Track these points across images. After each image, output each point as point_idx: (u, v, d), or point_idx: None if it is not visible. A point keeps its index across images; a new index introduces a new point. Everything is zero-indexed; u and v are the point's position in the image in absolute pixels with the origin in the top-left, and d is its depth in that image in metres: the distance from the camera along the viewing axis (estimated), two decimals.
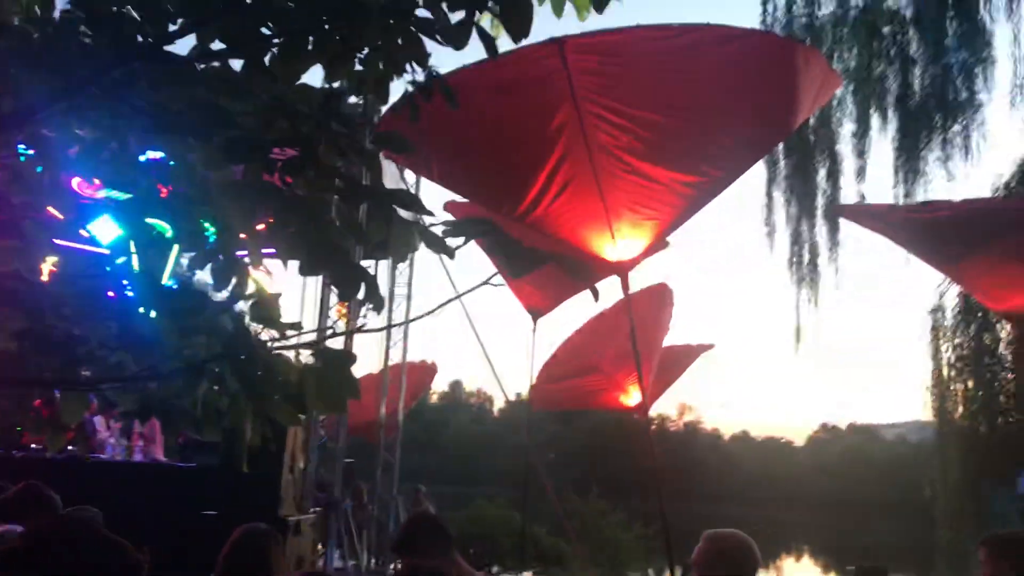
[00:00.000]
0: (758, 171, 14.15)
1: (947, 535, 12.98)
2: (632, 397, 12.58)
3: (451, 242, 2.65)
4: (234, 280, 2.64)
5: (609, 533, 20.00)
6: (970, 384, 12.86)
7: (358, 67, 2.77)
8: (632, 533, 20.14)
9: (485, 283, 2.80)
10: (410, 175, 11.61)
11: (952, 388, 13.00)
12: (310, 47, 2.73)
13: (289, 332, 2.57)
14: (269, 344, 2.63)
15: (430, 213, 2.99)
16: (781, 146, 13.56)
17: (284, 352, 2.75)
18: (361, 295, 2.36)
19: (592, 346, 12.00)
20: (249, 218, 2.60)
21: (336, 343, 10.31)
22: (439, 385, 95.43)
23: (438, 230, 2.67)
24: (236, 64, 2.63)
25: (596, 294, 2.71)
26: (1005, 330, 12.12)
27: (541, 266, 2.48)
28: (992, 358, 12.79)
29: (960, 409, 12.94)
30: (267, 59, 2.66)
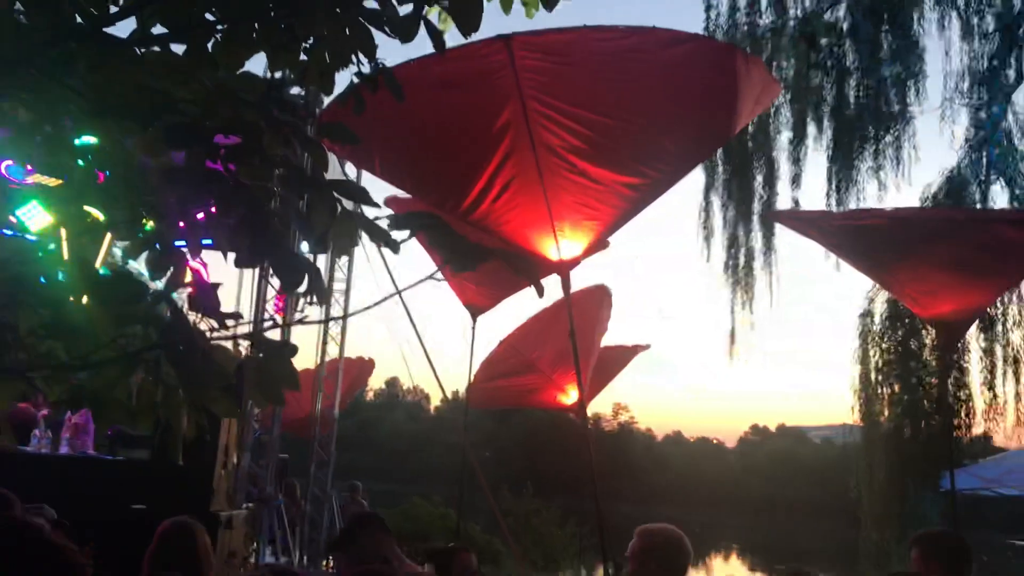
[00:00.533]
0: (697, 175, 14.40)
1: (872, 535, 13.33)
2: (569, 396, 12.65)
3: (396, 235, 2.64)
4: (171, 269, 2.59)
5: (543, 530, 20.14)
6: (896, 388, 13.23)
7: (303, 57, 2.75)
8: (566, 531, 20.30)
9: (429, 278, 2.80)
10: (351, 169, 11.52)
11: (879, 391, 13.36)
12: (254, 35, 2.70)
13: (228, 322, 2.53)
14: (207, 334, 2.58)
15: (376, 204, 2.97)
16: (720, 152, 13.81)
17: (222, 342, 2.70)
18: (303, 287, 2.33)
19: (531, 345, 12.04)
20: (188, 206, 2.56)
21: (273, 336, 10.19)
22: (375, 382, 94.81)
23: (383, 223, 2.66)
24: (178, 49, 2.58)
25: (541, 290, 2.72)
26: (931, 336, 12.52)
27: (485, 261, 2.49)
28: (918, 363, 13.19)
29: (886, 412, 13.30)
30: (210, 46, 2.62)
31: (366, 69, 2.80)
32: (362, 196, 2.43)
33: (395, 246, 2.56)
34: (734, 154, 14.00)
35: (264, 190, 2.39)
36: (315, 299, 2.35)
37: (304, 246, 9.19)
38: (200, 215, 2.58)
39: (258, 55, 2.73)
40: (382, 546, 3.67)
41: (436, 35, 2.81)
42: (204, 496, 7.85)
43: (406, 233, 2.58)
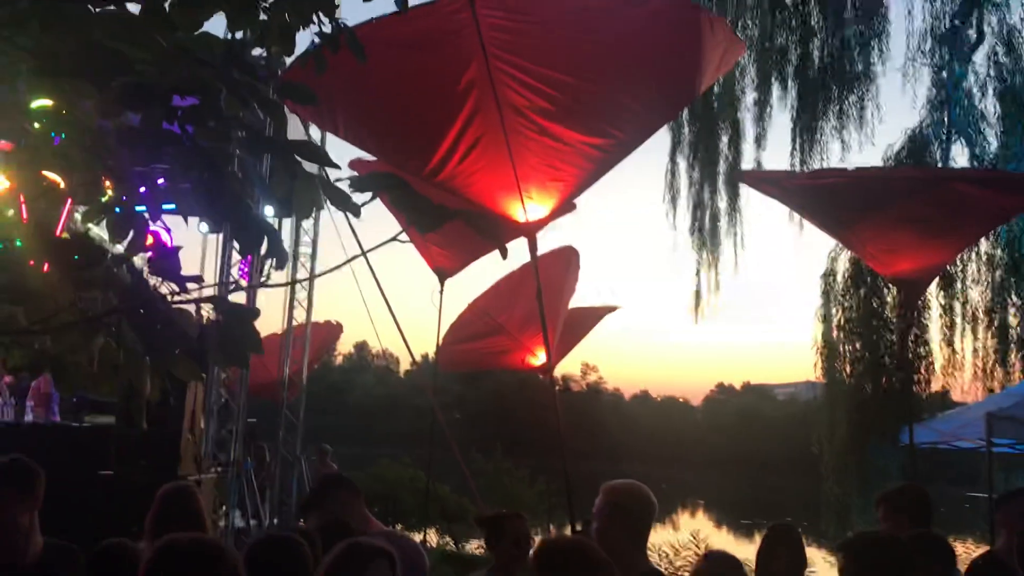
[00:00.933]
0: (664, 136, 14.43)
1: (833, 489, 13.62)
2: (538, 358, 12.72)
3: (358, 198, 2.62)
4: (132, 233, 2.56)
5: (513, 490, 20.34)
6: (858, 345, 13.46)
7: (263, 16, 2.71)
8: (535, 489, 20.52)
9: (392, 240, 2.79)
10: (315, 131, 11.39)
11: (841, 349, 13.60)
12: None
13: (190, 286, 2.52)
14: (168, 298, 2.57)
15: (336, 166, 2.95)
16: (686, 112, 13.83)
17: (184, 306, 2.69)
18: (263, 250, 2.32)
19: (499, 307, 12.05)
20: (144, 168, 2.52)
21: (238, 299, 10.12)
22: (344, 346, 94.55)
23: (344, 185, 2.65)
24: (134, 9, 2.53)
25: (504, 252, 2.73)
26: (892, 294, 12.73)
27: (448, 221, 2.48)
28: (879, 321, 13.41)
29: (848, 369, 13.54)
30: (167, 5, 2.57)
31: (327, 29, 2.78)
32: (322, 158, 2.41)
33: (356, 209, 2.55)
34: (699, 115, 14.03)
35: (222, 152, 2.36)
36: (275, 263, 2.33)
37: (269, 210, 9.11)
38: (161, 179, 2.56)
39: (217, 15, 2.69)
40: (349, 507, 3.70)
41: None
42: (171, 461, 7.85)
43: (368, 196, 2.58)
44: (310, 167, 2.66)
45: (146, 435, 8.02)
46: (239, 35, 2.92)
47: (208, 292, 2.89)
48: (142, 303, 2.43)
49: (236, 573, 2.31)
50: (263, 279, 10.56)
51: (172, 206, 2.61)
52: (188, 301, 2.60)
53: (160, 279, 2.60)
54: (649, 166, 16.61)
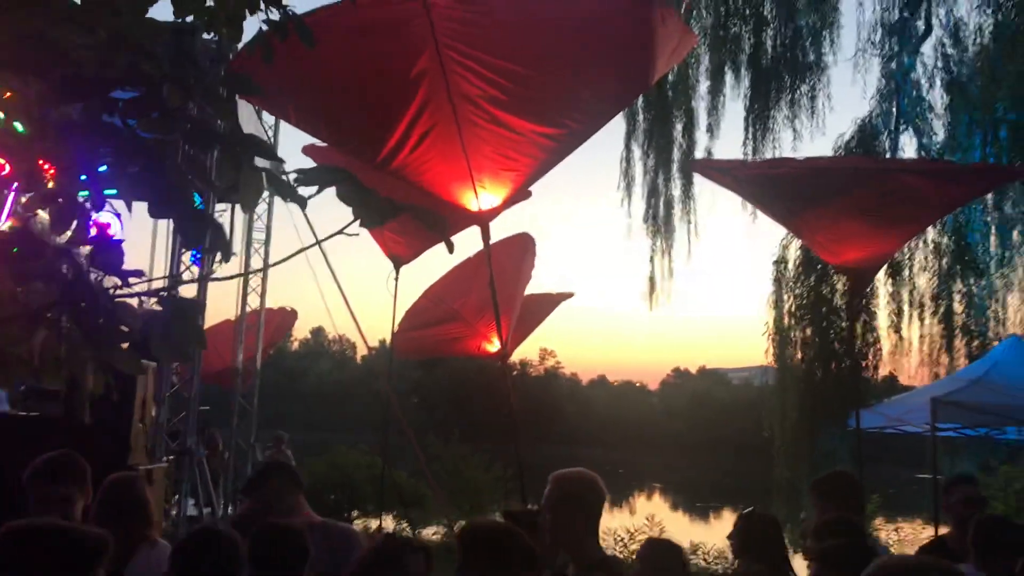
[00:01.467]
0: (619, 125, 14.51)
1: (784, 473, 13.87)
2: (494, 344, 12.72)
3: (307, 190, 2.61)
4: (74, 224, 2.53)
5: (469, 475, 20.38)
6: (808, 331, 13.69)
7: (210, 3, 2.68)
8: (491, 474, 20.58)
9: (340, 232, 2.79)
10: (269, 117, 11.26)
11: (792, 335, 13.82)
12: None
13: (132, 280, 2.49)
14: (112, 291, 2.54)
15: (280, 160, 2.93)
16: (641, 101, 13.91)
17: (128, 300, 2.66)
18: (207, 243, 2.31)
19: (454, 294, 12.03)
20: (90, 159, 2.49)
21: (191, 290, 10.00)
22: (300, 332, 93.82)
23: (295, 176, 2.63)
24: None
25: (451, 246, 2.74)
26: (842, 281, 12.95)
27: (395, 217, 2.49)
28: (829, 307, 13.65)
29: (799, 355, 13.77)
30: None
31: (275, 16, 2.76)
32: (266, 152, 2.40)
33: (302, 201, 2.54)
34: (654, 103, 14.12)
35: (164, 144, 2.34)
36: (220, 256, 2.32)
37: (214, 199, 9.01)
38: (103, 166, 2.52)
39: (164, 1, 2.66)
40: (283, 494, 3.73)
41: None
42: (121, 451, 7.74)
43: (314, 188, 2.57)
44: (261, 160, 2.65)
45: (96, 425, 7.89)
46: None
47: (159, 284, 2.87)
48: (84, 296, 2.40)
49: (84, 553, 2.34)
50: (215, 269, 10.45)
51: (114, 192, 2.58)
52: (131, 295, 2.57)
53: (102, 273, 2.57)
54: (606, 153, 16.73)
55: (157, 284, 2.67)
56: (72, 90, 2.31)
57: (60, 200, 2.52)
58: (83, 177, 2.54)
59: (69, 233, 2.52)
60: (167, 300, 2.48)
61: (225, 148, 2.35)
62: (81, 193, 2.56)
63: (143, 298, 2.80)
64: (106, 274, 2.43)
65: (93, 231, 2.58)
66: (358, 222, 2.67)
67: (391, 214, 2.48)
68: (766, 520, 4.20)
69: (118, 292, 2.52)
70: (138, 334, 2.49)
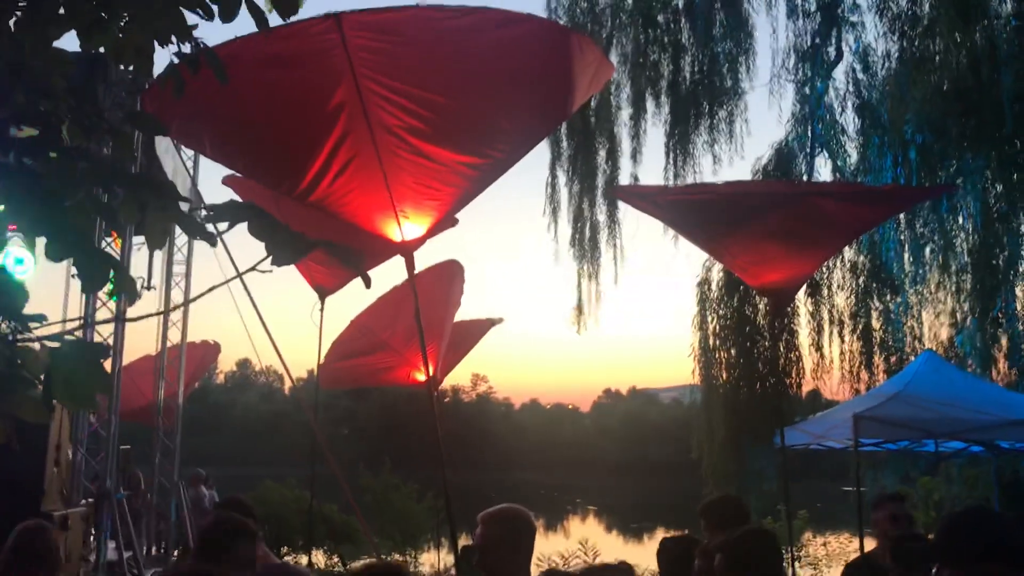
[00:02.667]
0: (544, 150, 14.64)
1: (713, 492, 14.01)
2: (423, 373, 12.63)
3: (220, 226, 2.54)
4: None
5: (400, 505, 20.13)
6: (733, 351, 13.92)
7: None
8: (423, 505, 20.37)
9: (253, 268, 2.72)
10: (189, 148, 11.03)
11: (717, 355, 14.03)
12: (62, 11, 2.54)
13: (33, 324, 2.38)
14: (10, 336, 2.43)
15: (186, 200, 2.85)
16: (565, 127, 14.07)
17: (30, 344, 2.55)
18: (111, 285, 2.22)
19: (382, 324, 11.93)
20: None
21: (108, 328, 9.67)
22: (226, 364, 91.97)
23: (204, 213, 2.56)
24: None
25: (367, 281, 2.69)
26: (764, 302, 13.22)
27: (307, 253, 2.44)
28: (752, 327, 13.91)
29: (724, 374, 13.99)
30: (12, 23, 2.45)
31: (187, 49, 2.70)
32: (168, 192, 2.32)
33: (211, 239, 2.48)
34: (578, 130, 14.28)
35: (64, 183, 2.25)
36: (126, 297, 2.24)
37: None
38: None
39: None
40: (250, 553, 3.48)
41: (258, 14, 2.73)
42: (34, 496, 7.44)
43: (225, 225, 2.50)
44: (184, 189, 2.57)
45: (6, 470, 7.57)
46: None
47: (74, 324, 2.75)
48: None
49: None
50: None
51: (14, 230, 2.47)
52: (32, 339, 2.46)
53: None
54: (534, 179, 16.86)
55: (73, 324, 2.55)
56: None
57: None
58: None
59: None
60: (70, 344, 2.37)
61: (128, 187, 2.27)
62: None
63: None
64: (4, 318, 2.32)
65: None
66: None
67: (304, 251, 2.43)
68: (684, 542, 4.28)
69: (20, 337, 2.41)
70: (37, 381, 2.38)
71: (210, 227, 2.80)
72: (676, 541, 4.31)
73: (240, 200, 7.63)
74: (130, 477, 14.04)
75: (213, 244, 2.52)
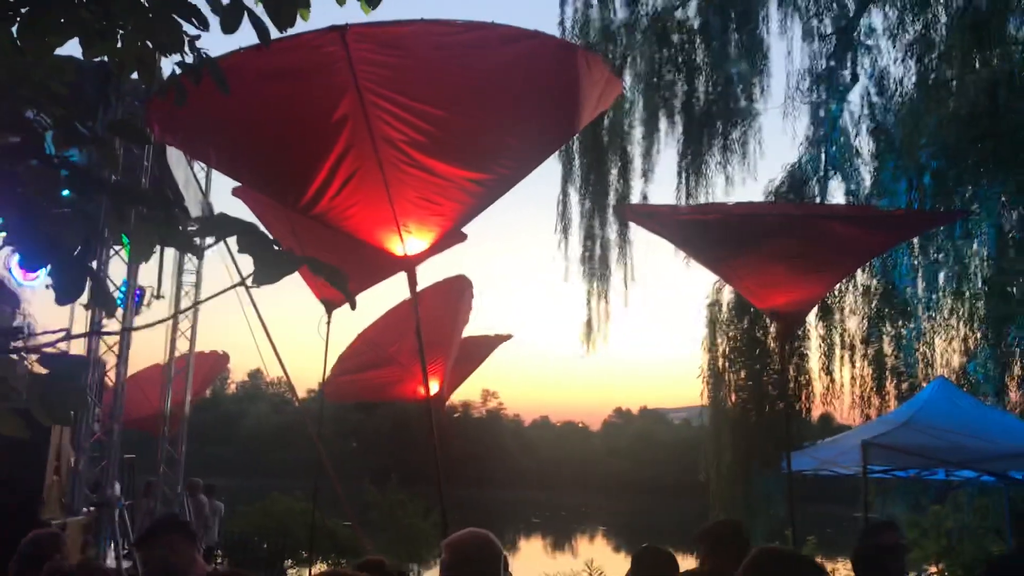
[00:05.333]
0: (556, 167, 14.61)
1: (719, 516, 13.85)
2: (430, 388, 12.58)
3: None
4: None
5: (407, 522, 20.03)
6: (742, 374, 13.78)
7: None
8: (430, 521, 20.25)
9: (239, 285, 2.68)
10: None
11: (726, 378, 13.90)
12: (63, 20, 2.52)
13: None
14: None
15: (182, 208, 2.82)
16: (577, 144, 14.03)
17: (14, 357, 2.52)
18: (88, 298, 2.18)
19: (389, 339, 11.90)
20: None
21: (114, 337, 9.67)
22: (238, 374, 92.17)
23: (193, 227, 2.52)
24: None
25: (353, 303, 2.65)
26: (773, 324, 13.09)
27: (292, 272, 2.39)
28: (762, 349, 13.77)
29: (733, 397, 13.85)
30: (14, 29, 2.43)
31: (190, 59, 2.68)
32: (151, 201, 2.28)
33: (198, 251, 2.44)
34: (589, 147, 14.24)
35: (45, 192, 2.21)
36: (104, 311, 2.20)
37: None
38: None
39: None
40: (179, 550, 3.62)
41: (260, 26, 2.71)
42: (32, 505, 7.41)
43: (212, 239, 2.46)
44: (195, 201, 2.55)
45: (5, 479, 7.55)
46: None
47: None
48: None
49: None
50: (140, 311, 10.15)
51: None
52: (11, 351, 2.42)
53: None
54: (544, 195, 16.84)
55: (54, 337, 2.51)
56: None
57: None
58: None
59: None
60: (49, 358, 2.34)
61: (111, 198, 2.23)
62: None
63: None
64: None
65: None
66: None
67: (289, 269, 2.38)
68: (661, 555, 4.23)
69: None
70: (19, 394, 2.35)
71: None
72: (655, 553, 4.29)
73: (251, 211, 7.56)
74: (147, 484, 14.03)
75: (200, 257, 2.49)
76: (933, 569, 13.33)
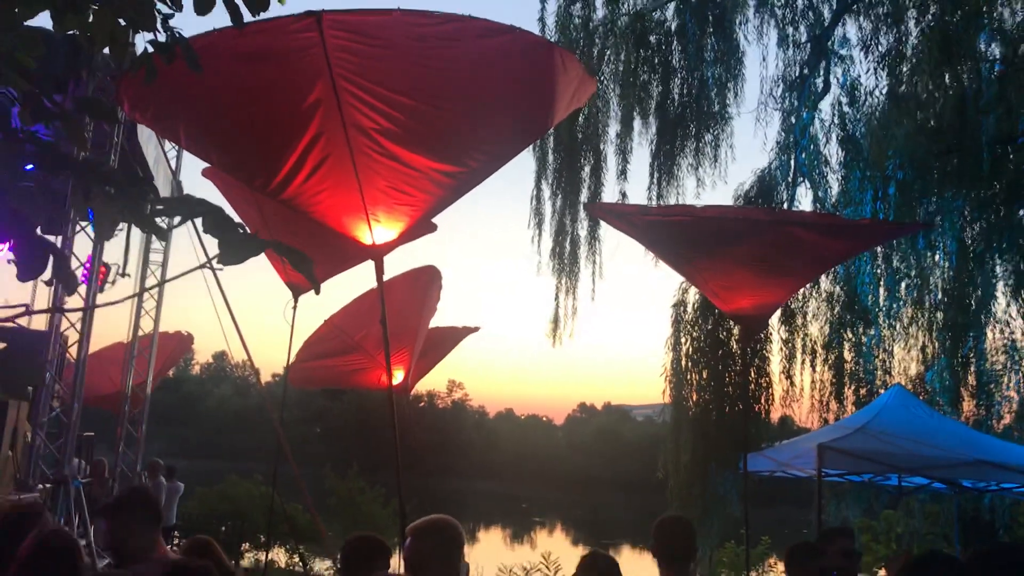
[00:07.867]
0: (530, 163, 14.67)
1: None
2: (394, 377, 12.59)
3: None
4: None
5: (366, 509, 20.04)
6: (704, 374, 13.94)
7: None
8: (389, 508, 20.27)
9: (204, 267, 2.70)
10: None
11: (689, 377, 14.05)
12: None
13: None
14: None
15: (150, 187, 2.82)
16: (551, 141, 14.09)
17: None
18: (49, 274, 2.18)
19: (356, 326, 11.89)
20: None
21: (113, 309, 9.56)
22: (202, 355, 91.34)
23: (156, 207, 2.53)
24: None
25: (317, 288, 2.68)
26: (737, 327, 13.23)
27: (257, 254, 2.41)
28: (725, 351, 13.93)
29: (694, 396, 14.00)
30: None
31: (162, 37, 2.69)
32: (117, 181, 2.29)
33: (161, 232, 2.46)
34: (564, 144, 14.30)
35: (9, 167, 2.22)
36: (64, 287, 2.21)
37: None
38: None
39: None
40: (139, 528, 3.62)
41: (234, 9, 2.72)
42: None
43: (177, 219, 2.49)
44: (165, 180, 2.55)
45: None
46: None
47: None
48: None
49: None
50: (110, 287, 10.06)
51: None
52: None
53: None
54: (519, 190, 16.91)
55: (13, 312, 2.50)
56: None
57: None
58: None
59: None
60: (10, 333, 2.34)
61: (76, 174, 2.24)
62: None
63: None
64: None
65: None
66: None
67: (254, 251, 2.41)
68: (607, 561, 4.28)
69: None
70: None
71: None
72: (604, 558, 4.33)
73: (220, 193, 7.53)
74: (96, 464, 13.89)
75: (162, 238, 2.50)
76: (883, 573, 13.57)
